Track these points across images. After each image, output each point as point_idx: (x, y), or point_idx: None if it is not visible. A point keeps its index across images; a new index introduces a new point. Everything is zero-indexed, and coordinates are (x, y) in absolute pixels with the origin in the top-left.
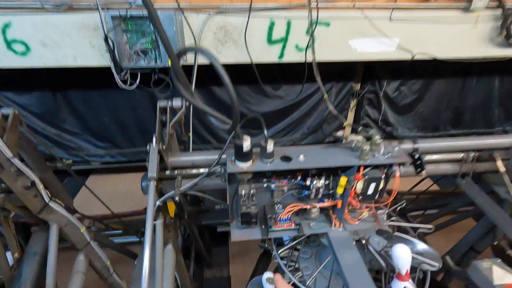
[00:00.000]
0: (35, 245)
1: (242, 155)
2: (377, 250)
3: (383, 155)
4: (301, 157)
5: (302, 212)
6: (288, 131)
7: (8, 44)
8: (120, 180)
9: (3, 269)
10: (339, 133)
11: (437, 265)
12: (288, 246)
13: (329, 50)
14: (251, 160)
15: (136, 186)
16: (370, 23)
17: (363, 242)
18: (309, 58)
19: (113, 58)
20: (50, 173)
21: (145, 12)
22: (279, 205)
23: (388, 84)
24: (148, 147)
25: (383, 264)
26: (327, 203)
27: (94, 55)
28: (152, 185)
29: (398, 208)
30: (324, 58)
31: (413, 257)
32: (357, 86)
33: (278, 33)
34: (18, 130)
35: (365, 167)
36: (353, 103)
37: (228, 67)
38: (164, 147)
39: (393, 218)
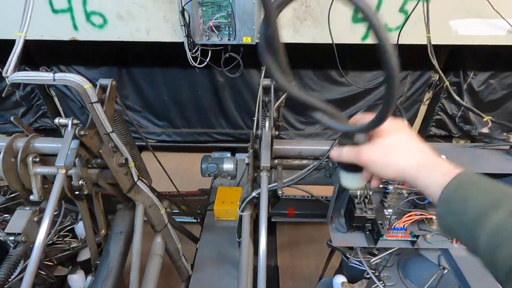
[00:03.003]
0: (120, 223)
1: None
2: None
3: None
4: (443, 157)
5: (416, 222)
6: None
7: (88, 16)
8: (170, 159)
9: (92, 244)
10: (485, 130)
11: None
12: (382, 255)
13: (423, 32)
14: None
15: (185, 166)
16: None
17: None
18: (400, 40)
19: (187, 33)
20: (136, 150)
21: None
22: (389, 210)
23: (474, 75)
24: (260, 131)
25: None
26: None
27: (167, 30)
28: (265, 176)
29: None
30: (416, 41)
31: None
32: (436, 76)
33: None
34: (114, 103)
35: None
36: (428, 95)
37: (288, 47)
38: (276, 132)
39: None
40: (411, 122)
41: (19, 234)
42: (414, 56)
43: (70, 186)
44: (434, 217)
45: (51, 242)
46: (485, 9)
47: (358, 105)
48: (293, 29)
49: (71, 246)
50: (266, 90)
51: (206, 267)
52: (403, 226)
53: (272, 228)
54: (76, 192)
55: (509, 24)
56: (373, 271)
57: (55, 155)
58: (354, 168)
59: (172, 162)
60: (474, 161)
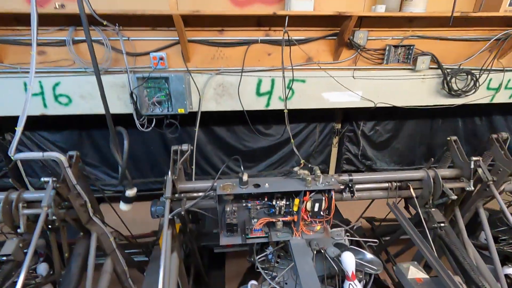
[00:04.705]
0: (79, 247)
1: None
2: (331, 257)
3: (322, 184)
4: (267, 185)
5: (271, 225)
6: (279, 164)
7: (56, 97)
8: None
9: (57, 263)
10: (296, 169)
11: (376, 269)
12: (266, 253)
13: (306, 100)
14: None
15: (142, 214)
16: (336, 80)
17: (322, 252)
18: (290, 106)
19: (135, 108)
20: (92, 195)
21: (162, 74)
22: (254, 219)
23: (364, 124)
24: (165, 177)
25: (336, 268)
26: (288, 218)
27: (120, 105)
28: (168, 202)
29: (355, 228)
30: (302, 106)
31: (358, 263)
32: (338, 126)
33: (264, 88)
34: (78, 165)
35: (310, 191)
36: (335, 140)
37: (227, 111)
38: (175, 177)
39: (347, 234)
40: (326, 161)
41: (9, 255)
42: (317, 112)
43: (47, 221)
44: (274, 220)
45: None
46: (341, 86)
47: (282, 151)
48: (215, 101)
49: (35, 280)
50: (175, 152)
51: None
52: (260, 227)
53: (220, 260)
54: (49, 226)
55: (358, 94)
56: (263, 267)
57: (36, 201)
58: None
59: (129, 211)
60: (284, 184)
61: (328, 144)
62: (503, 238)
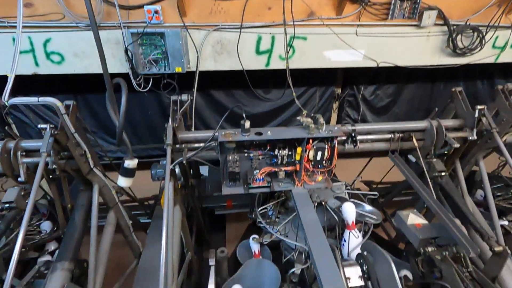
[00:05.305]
0: (81, 199)
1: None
2: (332, 208)
3: (325, 131)
4: (269, 132)
5: (273, 175)
6: None
7: (47, 55)
8: None
9: (61, 220)
10: (299, 117)
11: (375, 218)
12: (266, 205)
13: (307, 59)
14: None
15: (139, 182)
16: (338, 37)
17: (323, 203)
18: (291, 66)
19: (131, 66)
20: (91, 147)
21: (157, 30)
22: (256, 170)
23: (365, 88)
24: (166, 125)
25: (337, 218)
26: (290, 168)
27: (115, 64)
28: (169, 150)
29: (354, 182)
30: (303, 66)
31: (358, 213)
32: (338, 90)
33: (264, 45)
34: (75, 115)
35: (313, 140)
36: (335, 105)
37: (226, 74)
38: (176, 125)
39: (348, 188)
40: None
41: (11, 202)
42: (317, 75)
43: (47, 170)
44: (276, 169)
45: None
46: (344, 44)
47: (281, 116)
48: (213, 60)
49: (40, 235)
50: (174, 102)
51: (154, 246)
52: (262, 177)
53: (221, 222)
54: (50, 176)
55: (360, 53)
56: (265, 220)
57: (34, 151)
58: None
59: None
60: (286, 132)
61: (328, 109)
62: (499, 194)
